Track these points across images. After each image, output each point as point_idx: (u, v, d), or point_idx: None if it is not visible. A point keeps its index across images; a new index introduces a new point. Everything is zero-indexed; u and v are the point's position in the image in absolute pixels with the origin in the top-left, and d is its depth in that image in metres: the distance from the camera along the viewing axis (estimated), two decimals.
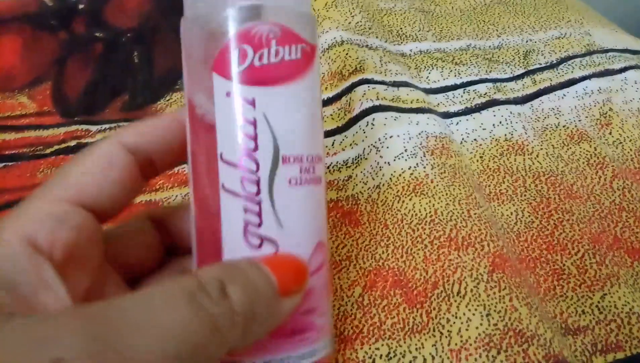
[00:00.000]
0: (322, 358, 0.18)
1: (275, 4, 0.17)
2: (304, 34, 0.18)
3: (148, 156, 0.19)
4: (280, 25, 0.17)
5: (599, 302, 0.25)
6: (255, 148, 0.17)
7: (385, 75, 0.36)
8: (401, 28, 0.42)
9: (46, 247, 0.16)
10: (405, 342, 0.24)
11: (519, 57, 0.39)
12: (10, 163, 0.33)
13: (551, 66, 0.38)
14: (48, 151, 0.34)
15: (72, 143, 0.34)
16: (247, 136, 0.17)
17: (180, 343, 0.14)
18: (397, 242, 0.27)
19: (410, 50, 0.40)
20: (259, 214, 0.17)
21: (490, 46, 0.41)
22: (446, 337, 0.24)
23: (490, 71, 0.38)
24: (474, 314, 0.24)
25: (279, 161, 0.17)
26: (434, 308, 0.25)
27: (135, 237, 0.21)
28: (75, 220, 0.17)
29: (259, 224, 0.17)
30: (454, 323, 0.24)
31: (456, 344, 0.23)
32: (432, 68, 0.38)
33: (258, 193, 0.17)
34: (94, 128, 0.35)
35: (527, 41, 0.41)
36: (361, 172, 0.31)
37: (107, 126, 0.35)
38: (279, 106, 0.17)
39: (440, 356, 0.23)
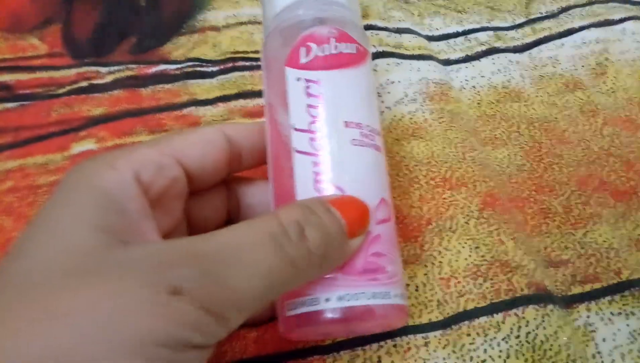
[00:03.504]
0: (394, 304, 0.20)
1: (333, 15, 0.22)
2: (357, 38, 0.22)
3: (239, 149, 0.22)
4: (337, 28, 0.22)
5: (581, 238, 0.27)
6: (322, 114, 0.21)
7: (389, 21, 0.37)
8: None
9: (146, 186, 0.18)
10: None
11: (521, 6, 0.40)
12: (25, 102, 0.34)
13: (552, 16, 0.39)
14: (61, 91, 0.35)
15: (84, 84, 0.35)
16: (314, 106, 0.21)
17: (266, 281, 0.16)
18: (394, 182, 0.29)
19: None
20: (327, 165, 0.20)
21: None
22: (437, 267, 0.26)
23: (492, 20, 0.39)
24: (463, 247, 0.26)
25: (342, 124, 0.21)
26: (427, 242, 0.27)
27: (210, 200, 0.23)
28: (172, 172, 0.20)
29: (328, 173, 0.20)
30: (445, 255, 0.26)
31: (446, 273, 0.25)
32: (435, 15, 0.39)
33: (324, 149, 0.20)
34: (104, 70, 0.36)
35: None
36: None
37: (116, 67, 0.36)
38: (340, 84, 0.21)
39: (431, 283, 0.25)
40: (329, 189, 0.20)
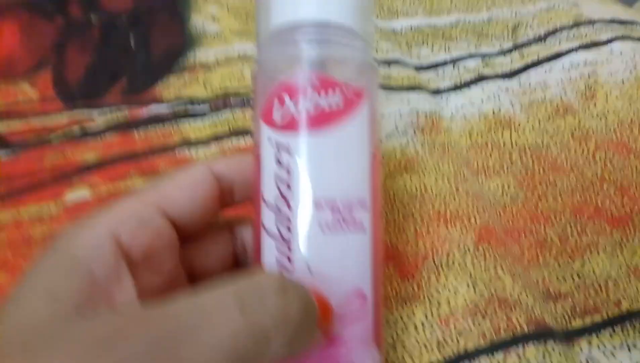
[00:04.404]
0: None
1: (320, 52, 0.19)
2: (348, 81, 0.19)
3: (230, 185, 0.21)
4: (319, 74, 0.18)
5: (579, 269, 0.27)
6: (289, 192, 0.18)
7: (377, 53, 0.37)
8: (392, 4, 0.43)
9: (126, 245, 0.18)
10: (397, 311, 0.26)
11: (508, 31, 0.40)
12: (18, 150, 0.34)
13: (539, 39, 0.39)
14: (53, 137, 0.35)
15: (77, 129, 0.35)
16: (282, 179, 0.18)
17: (227, 353, 0.14)
18: (389, 218, 0.29)
19: (402, 26, 0.41)
20: (290, 258, 0.18)
21: (480, 20, 0.41)
22: (435, 305, 0.25)
23: (479, 46, 0.39)
24: (460, 284, 0.26)
25: (310, 206, 0.18)
26: (424, 279, 0.26)
27: (212, 246, 0.23)
28: (156, 224, 0.19)
29: (290, 268, 0.18)
30: (443, 292, 0.26)
31: (445, 312, 0.25)
32: (423, 44, 0.39)
33: (289, 236, 0.18)
34: (96, 113, 0.36)
35: (516, 14, 0.42)
36: (380, 161, 0.33)
37: (108, 111, 0.36)
38: (312, 152, 0.18)
39: (430, 323, 0.25)
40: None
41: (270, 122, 0.18)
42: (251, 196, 0.20)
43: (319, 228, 0.18)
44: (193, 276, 0.22)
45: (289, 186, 0.18)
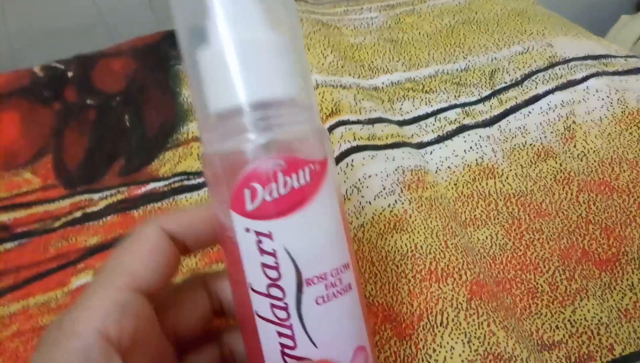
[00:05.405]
0: None
1: (277, 138, 0.18)
2: (310, 154, 0.19)
3: (182, 240, 0.21)
4: (283, 156, 0.18)
5: (570, 316, 0.28)
6: (279, 277, 0.18)
7: (360, 113, 0.39)
8: (372, 61, 0.44)
9: (115, 337, 0.18)
10: None
11: (485, 78, 0.42)
12: (24, 240, 0.36)
13: (516, 84, 0.41)
14: (56, 224, 0.36)
15: (78, 214, 0.37)
16: (270, 266, 0.18)
17: None
18: (383, 278, 0.30)
19: (382, 83, 0.42)
20: (292, 338, 0.18)
21: (457, 69, 0.43)
22: None
23: (459, 96, 0.41)
24: (456, 342, 0.26)
25: (303, 285, 0.18)
26: (421, 340, 0.27)
27: (190, 307, 0.23)
28: (136, 306, 0.19)
29: (294, 347, 0.18)
30: (440, 352, 0.26)
31: None
32: (404, 99, 0.41)
33: (288, 317, 0.18)
34: (96, 196, 0.38)
35: (492, 60, 0.43)
36: (346, 212, 0.34)
37: (108, 192, 0.38)
38: (296, 233, 0.18)
39: None
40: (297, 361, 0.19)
41: (245, 213, 0.18)
42: (230, 278, 0.20)
43: (314, 303, 0.18)
44: (177, 338, 0.22)
45: (278, 271, 0.18)
